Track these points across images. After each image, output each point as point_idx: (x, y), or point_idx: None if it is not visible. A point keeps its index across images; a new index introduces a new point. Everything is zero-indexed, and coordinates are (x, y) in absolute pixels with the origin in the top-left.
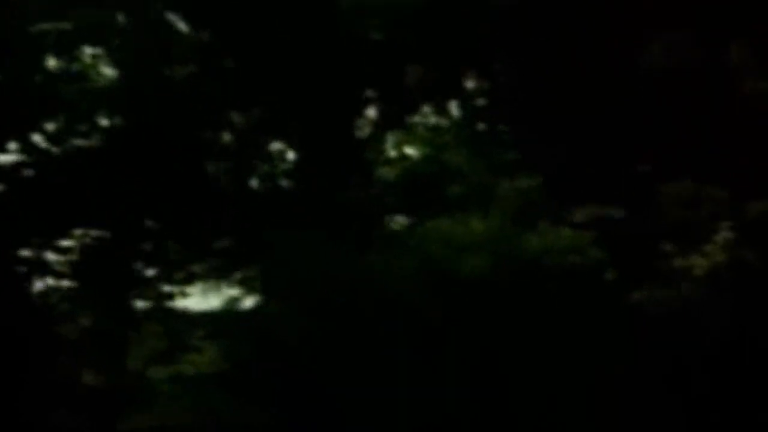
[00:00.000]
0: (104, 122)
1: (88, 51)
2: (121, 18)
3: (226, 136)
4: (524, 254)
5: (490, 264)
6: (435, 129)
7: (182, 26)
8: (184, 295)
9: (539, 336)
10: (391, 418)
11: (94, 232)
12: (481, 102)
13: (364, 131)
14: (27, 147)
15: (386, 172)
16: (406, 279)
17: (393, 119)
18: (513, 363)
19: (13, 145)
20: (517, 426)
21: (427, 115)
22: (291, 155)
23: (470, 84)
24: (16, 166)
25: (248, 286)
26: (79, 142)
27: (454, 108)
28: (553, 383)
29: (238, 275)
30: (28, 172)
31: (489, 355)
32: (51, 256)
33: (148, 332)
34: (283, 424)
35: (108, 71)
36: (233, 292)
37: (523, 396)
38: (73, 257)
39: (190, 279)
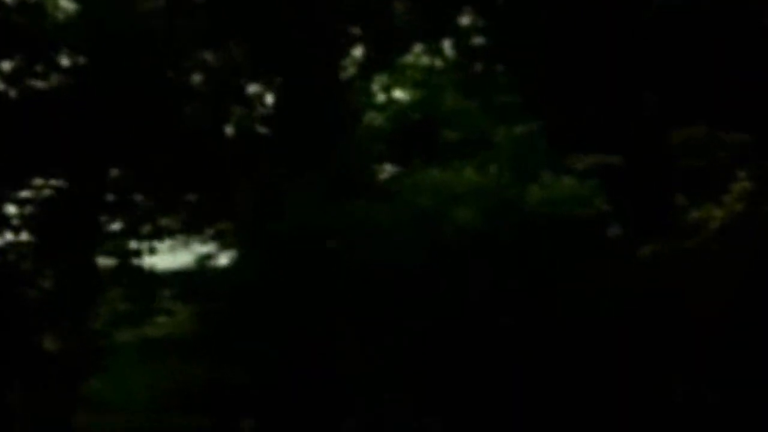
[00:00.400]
0: (64, 62)
1: None
2: None
3: (198, 78)
4: (523, 206)
5: (485, 217)
6: (427, 70)
7: None
8: (152, 251)
9: (537, 292)
10: (376, 373)
11: (55, 183)
12: (477, 41)
13: (348, 73)
14: None
15: (373, 118)
16: (394, 232)
17: (381, 60)
18: (509, 321)
19: None
20: (510, 378)
21: (418, 55)
22: (269, 99)
23: (465, 21)
24: None
25: (222, 242)
26: (37, 83)
27: (447, 47)
28: (551, 341)
29: (210, 230)
30: None
31: (483, 310)
32: (8, 209)
33: (113, 293)
34: (264, 391)
35: (67, 4)
36: (206, 248)
37: (521, 353)
38: (32, 210)
39: (158, 234)
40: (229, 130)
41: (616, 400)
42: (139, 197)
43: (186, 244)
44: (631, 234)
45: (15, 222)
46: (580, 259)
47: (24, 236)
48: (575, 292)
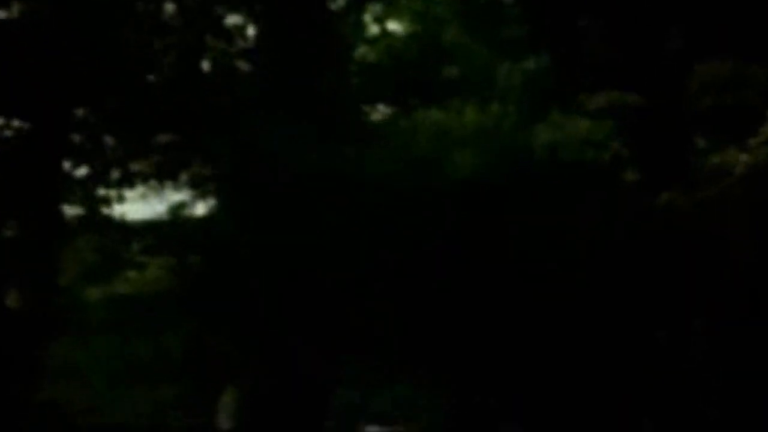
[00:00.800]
0: None
1: None
2: None
3: (171, 7)
4: (530, 150)
5: (489, 161)
6: (425, 0)
7: None
8: (121, 199)
9: (546, 243)
10: (367, 325)
11: (15, 123)
12: None
13: (338, 2)
14: None
15: (366, 53)
16: (387, 179)
17: None
18: (513, 277)
19: None
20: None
21: None
22: (250, 31)
23: None
24: None
25: (198, 189)
26: None
27: None
28: (561, 296)
29: (185, 175)
30: None
31: (486, 263)
32: None
33: (80, 245)
34: (248, 357)
35: None
36: (180, 196)
37: (528, 311)
38: None
39: (128, 180)
40: (205, 65)
41: (621, 354)
42: (107, 139)
43: (158, 192)
44: (647, 180)
45: None
46: (593, 207)
47: None
48: (586, 244)
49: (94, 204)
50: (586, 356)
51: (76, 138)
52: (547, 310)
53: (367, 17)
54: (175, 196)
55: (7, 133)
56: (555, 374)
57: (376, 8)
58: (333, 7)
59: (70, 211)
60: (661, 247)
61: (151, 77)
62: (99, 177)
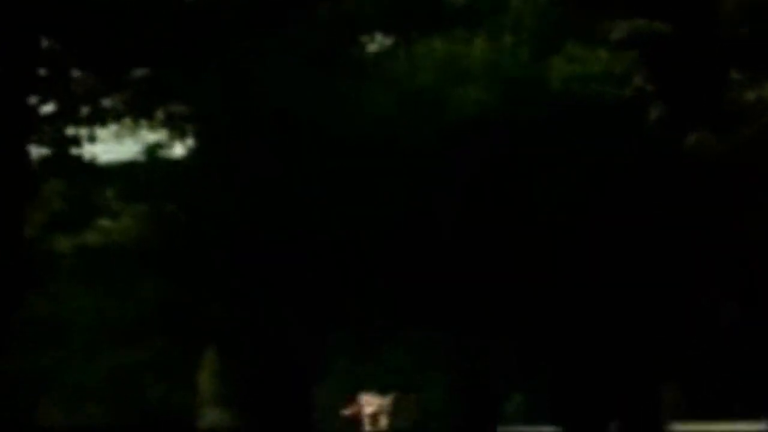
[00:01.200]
0: None
1: None
2: None
3: None
4: (545, 84)
5: (499, 98)
6: None
7: None
8: (92, 139)
9: (559, 188)
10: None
11: None
12: None
13: None
14: None
15: None
16: (386, 114)
17: None
18: (525, 226)
19: None
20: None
21: None
22: None
23: None
24: None
25: (176, 128)
26: None
27: None
28: (576, 251)
29: (162, 113)
30: None
31: (493, 210)
32: None
33: (48, 190)
34: (225, 312)
35: None
36: (156, 136)
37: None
38: None
39: (100, 117)
40: None
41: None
42: (76, 72)
43: (133, 131)
44: (674, 119)
45: None
46: (613, 148)
47: None
48: (605, 189)
49: (62, 144)
50: (600, 312)
51: (42, 71)
52: (560, 263)
53: None
54: (151, 136)
55: None
56: (569, 334)
57: None
58: None
59: (37, 151)
60: (689, 194)
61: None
62: (67, 114)
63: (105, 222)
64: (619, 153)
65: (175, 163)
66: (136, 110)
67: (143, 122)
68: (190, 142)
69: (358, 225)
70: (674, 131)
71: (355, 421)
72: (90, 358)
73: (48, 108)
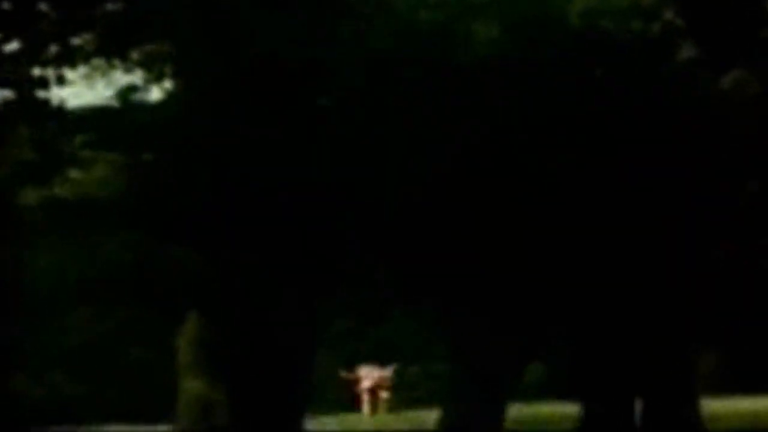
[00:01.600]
0: None
1: None
2: None
3: None
4: (564, 18)
5: (513, 33)
6: None
7: None
8: (61, 81)
9: (579, 137)
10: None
11: None
12: None
13: None
14: None
15: None
16: (391, 59)
17: None
18: (540, 183)
19: None
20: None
21: None
22: None
23: None
24: None
25: (153, 69)
26: None
27: None
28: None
29: (136, 53)
30: None
31: (504, 165)
32: None
33: (13, 138)
34: (207, 271)
35: None
36: (131, 78)
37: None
38: None
39: (69, 57)
40: None
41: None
42: (42, 6)
43: (105, 73)
44: (708, 57)
45: None
46: (640, 89)
47: None
48: (631, 133)
49: (27, 86)
50: (625, 269)
51: (5, 4)
52: (581, 216)
53: None
54: (125, 78)
55: None
56: (589, 295)
57: None
58: None
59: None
60: (724, 141)
61: None
62: (33, 53)
63: (75, 173)
64: (646, 97)
65: (152, 109)
66: (109, 50)
67: (116, 63)
68: (168, 84)
69: (352, 179)
70: (708, 70)
71: (353, 394)
72: (59, 324)
73: (11, 46)
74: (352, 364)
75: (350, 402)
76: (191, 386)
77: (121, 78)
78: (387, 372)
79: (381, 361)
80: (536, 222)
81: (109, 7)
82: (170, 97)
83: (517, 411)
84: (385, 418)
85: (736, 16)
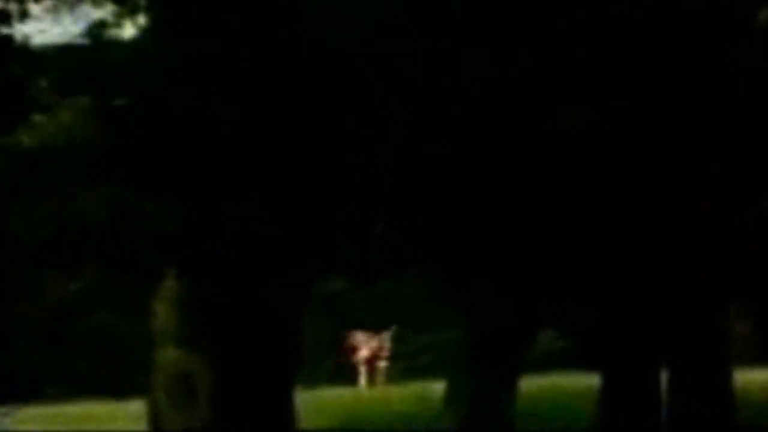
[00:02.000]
0: None
1: None
2: None
3: None
4: None
5: None
6: None
7: None
8: (24, 16)
9: (592, 75)
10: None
11: None
12: None
13: None
14: None
15: None
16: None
17: None
18: (558, 124)
19: None
20: None
21: None
22: None
23: None
24: None
25: (125, 2)
26: None
27: None
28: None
29: None
30: None
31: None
32: None
33: None
34: (187, 227)
35: None
36: (101, 12)
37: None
38: None
39: None
40: None
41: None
42: None
43: (72, 6)
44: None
45: None
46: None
47: None
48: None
49: None
50: (647, 223)
51: None
52: (597, 158)
53: None
54: (95, 12)
55: None
56: (606, 252)
57: None
58: None
59: None
60: (758, 83)
61: None
62: None
63: (39, 118)
64: (670, 34)
65: (125, 46)
66: None
67: None
68: (142, 19)
69: (343, 121)
70: (741, 3)
71: (348, 365)
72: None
73: None
74: (345, 331)
75: (344, 372)
76: (168, 353)
77: (91, 12)
78: (386, 340)
79: (376, 327)
80: (551, 169)
81: None
82: (144, 34)
83: (530, 383)
84: (385, 391)
85: None
